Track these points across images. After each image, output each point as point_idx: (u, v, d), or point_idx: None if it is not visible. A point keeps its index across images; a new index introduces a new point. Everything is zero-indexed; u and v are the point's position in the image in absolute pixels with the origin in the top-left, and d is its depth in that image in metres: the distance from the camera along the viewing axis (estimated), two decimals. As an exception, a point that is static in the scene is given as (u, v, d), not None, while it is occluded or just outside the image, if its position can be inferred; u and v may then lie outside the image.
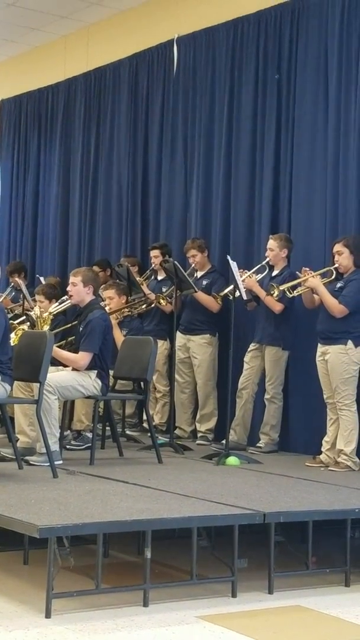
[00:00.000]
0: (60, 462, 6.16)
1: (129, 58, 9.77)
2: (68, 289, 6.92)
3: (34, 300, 8.28)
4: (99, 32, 10.32)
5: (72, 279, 6.83)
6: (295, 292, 7.07)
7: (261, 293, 7.42)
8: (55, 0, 9.68)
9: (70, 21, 10.30)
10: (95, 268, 8.76)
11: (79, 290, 6.76)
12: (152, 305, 8.36)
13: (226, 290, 7.53)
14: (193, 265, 8.23)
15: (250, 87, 8.26)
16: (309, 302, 7.00)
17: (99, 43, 10.31)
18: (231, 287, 7.13)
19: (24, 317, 8.06)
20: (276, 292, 7.17)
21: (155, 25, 9.50)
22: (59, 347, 7.04)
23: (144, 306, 8.41)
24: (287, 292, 7.12)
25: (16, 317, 8.46)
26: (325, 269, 6.92)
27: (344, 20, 7.43)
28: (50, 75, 10.99)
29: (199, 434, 8.09)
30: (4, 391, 5.91)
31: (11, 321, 7.56)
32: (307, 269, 6.96)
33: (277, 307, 7.33)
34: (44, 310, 7.60)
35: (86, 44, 10.48)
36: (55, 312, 7.71)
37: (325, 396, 6.82)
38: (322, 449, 6.78)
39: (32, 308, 7.86)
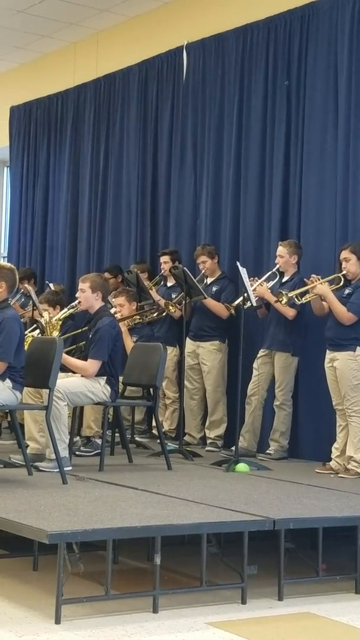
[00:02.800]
0: (70, 468, 6.16)
1: (139, 65, 9.80)
2: (77, 295, 6.93)
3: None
4: (108, 39, 10.35)
5: (80, 285, 6.84)
6: (303, 299, 7.07)
7: (272, 300, 7.41)
8: (64, 7, 9.72)
9: (80, 28, 10.33)
10: (107, 274, 8.78)
11: (87, 296, 6.77)
12: (164, 314, 8.36)
13: (238, 301, 7.50)
14: (203, 271, 8.23)
15: (260, 94, 8.27)
16: (319, 309, 6.99)
17: (108, 50, 10.34)
18: (242, 297, 7.12)
19: (34, 325, 8.07)
20: (284, 299, 7.17)
21: (165, 32, 9.52)
22: (69, 352, 7.05)
23: (155, 314, 8.42)
24: (296, 299, 7.12)
25: (25, 325, 8.46)
26: (333, 276, 6.91)
27: (354, 26, 7.43)
28: (60, 82, 11.02)
29: (209, 441, 8.08)
30: (15, 398, 5.92)
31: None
32: (315, 276, 6.95)
33: (290, 312, 7.33)
34: (52, 316, 7.61)
35: (96, 51, 10.51)
36: (62, 318, 7.71)
37: (334, 403, 6.80)
38: (332, 456, 6.77)
39: (41, 314, 7.88)
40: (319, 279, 6.89)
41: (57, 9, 9.79)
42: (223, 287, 8.14)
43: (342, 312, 6.68)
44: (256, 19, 8.36)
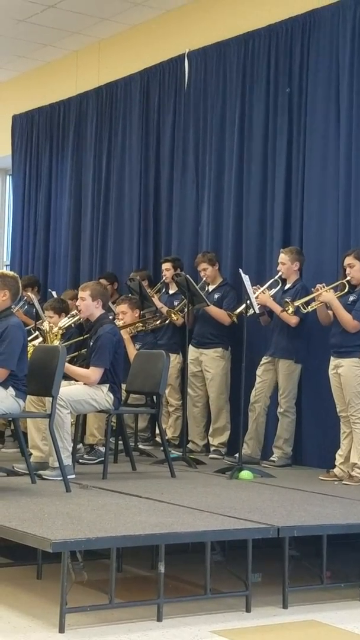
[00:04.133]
0: (73, 476, 6.15)
1: (140, 73, 9.82)
2: (77, 303, 6.93)
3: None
4: (110, 47, 10.37)
5: (80, 294, 6.84)
6: (309, 307, 7.06)
7: (276, 308, 7.41)
8: (66, 16, 9.75)
9: (82, 36, 10.36)
10: (103, 281, 8.78)
11: (87, 304, 6.76)
12: (167, 322, 8.36)
13: (240, 308, 7.50)
14: (204, 278, 8.23)
15: (262, 101, 8.28)
16: (324, 318, 6.98)
17: (110, 58, 10.36)
18: (244, 305, 7.12)
19: (36, 333, 8.07)
20: (291, 309, 7.16)
21: (166, 40, 9.54)
22: (71, 360, 7.05)
23: (158, 322, 8.42)
24: (302, 308, 7.12)
25: (30, 333, 8.46)
26: (337, 282, 6.91)
27: (355, 34, 7.45)
28: (62, 91, 11.05)
29: (212, 448, 8.07)
30: (18, 407, 5.91)
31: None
32: (320, 285, 6.94)
33: (293, 320, 7.32)
34: (53, 325, 7.62)
35: (97, 59, 10.53)
36: (65, 326, 7.71)
37: (338, 409, 6.79)
38: (336, 463, 6.75)
39: (42, 322, 7.88)
40: (323, 287, 6.89)
41: (58, 18, 9.82)
42: (225, 294, 8.14)
43: (348, 320, 6.67)
44: (257, 26, 8.37)
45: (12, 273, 6.22)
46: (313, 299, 6.99)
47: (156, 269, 9.28)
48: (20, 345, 5.88)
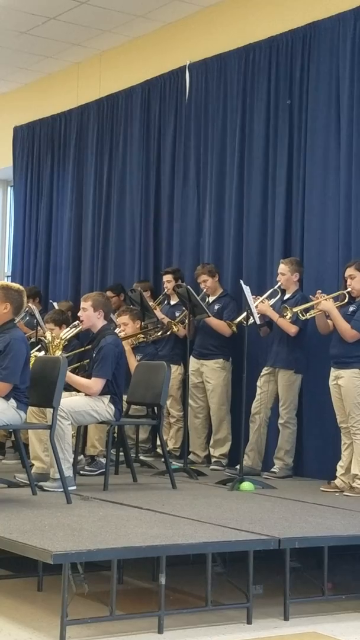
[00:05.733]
0: (74, 487, 6.15)
1: (141, 84, 9.85)
2: (79, 314, 6.94)
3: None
4: (111, 59, 10.41)
5: (82, 304, 6.85)
6: (308, 314, 7.07)
7: (274, 316, 7.42)
8: (67, 28, 9.78)
9: (83, 49, 10.40)
10: (109, 293, 8.79)
11: (89, 315, 6.77)
12: (168, 333, 8.37)
13: (240, 318, 7.52)
14: (205, 290, 8.24)
15: (262, 113, 8.30)
16: (323, 327, 6.99)
17: (111, 70, 10.39)
18: (244, 314, 7.13)
19: (39, 345, 8.07)
20: (289, 315, 7.17)
21: (167, 52, 9.57)
22: (73, 371, 7.04)
23: (159, 333, 8.42)
24: (300, 315, 7.13)
25: (32, 345, 8.46)
26: (337, 293, 6.92)
27: (355, 45, 7.47)
28: (63, 102, 11.08)
29: (213, 459, 8.07)
30: (19, 418, 5.91)
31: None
32: (320, 292, 6.96)
33: (292, 329, 7.33)
34: (55, 336, 7.61)
35: (98, 71, 10.57)
36: (67, 338, 7.71)
37: (338, 420, 6.79)
38: (337, 474, 6.75)
39: (45, 334, 7.88)
40: (323, 296, 6.90)
41: (60, 30, 9.86)
42: (225, 305, 8.15)
43: (346, 329, 6.68)
44: (258, 38, 8.41)
45: (17, 286, 6.14)
46: (312, 307, 7.00)
47: (157, 280, 9.29)
48: (23, 359, 5.87)
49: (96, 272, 10.34)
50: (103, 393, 6.49)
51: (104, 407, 6.47)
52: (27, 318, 9.73)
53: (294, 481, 7.35)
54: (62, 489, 5.83)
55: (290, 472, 7.49)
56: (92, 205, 10.48)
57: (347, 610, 4.93)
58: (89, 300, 6.79)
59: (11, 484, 6.31)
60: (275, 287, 7.61)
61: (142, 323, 8.28)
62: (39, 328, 8.54)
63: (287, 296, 7.59)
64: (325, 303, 6.85)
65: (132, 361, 7.72)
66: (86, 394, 6.51)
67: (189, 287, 7.77)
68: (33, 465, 6.42)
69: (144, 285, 9.02)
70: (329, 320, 6.90)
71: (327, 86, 7.73)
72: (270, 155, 8.21)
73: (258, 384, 7.57)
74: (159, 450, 8.22)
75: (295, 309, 7.15)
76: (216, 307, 8.16)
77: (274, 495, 6.44)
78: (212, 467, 7.95)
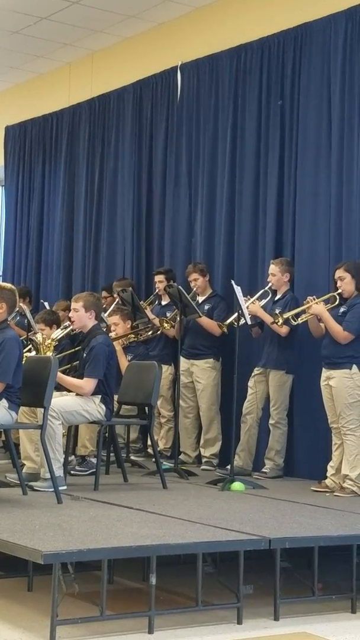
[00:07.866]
0: (65, 487, 6.14)
1: (133, 85, 9.84)
2: (70, 314, 6.93)
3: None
4: (103, 59, 10.40)
5: (73, 305, 6.83)
6: (299, 319, 7.08)
7: (267, 319, 7.42)
8: (59, 28, 9.77)
9: (75, 48, 10.39)
10: (104, 293, 8.77)
11: (80, 315, 6.76)
12: (159, 332, 8.36)
13: (231, 319, 7.53)
14: (195, 289, 8.24)
15: (254, 113, 8.31)
16: (316, 330, 6.99)
17: (103, 70, 10.39)
18: (235, 315, 7.13)
19: (29, 345, 8.06)
20: (280, 320, 7.17)
21: (159, 53, 9.58)
22: (64, 371, 7.04)
23: (149, 333, 8.41)
24: (292, 320, 7.13)
25: (23, 345, 8.44)
26: (328, 295, 6.93)
27: (346, 46, 7.49)
28: (55, 102, 11.07)
29: (204, 459, 8.07)
30: (10, 418, 5.91)
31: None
32: (311, 297, 6.96)
33: (283, 330, 7.33)
34: (46, 336, 7.60)
35: (90, 71, 10.56)
36: (57, 338, 7.70)
37: (329, 421, 6.80)
38: (328, 474, 6.76)
39: (35, 334, 7.87)
40: (314, 299, 6.91)
41: (51, 30, 9.85)
42: (215, 305, 8.16)
43: (338, 331, 6.69)
44: (250, 39, 8.41)
45: (9, 285, 6.16)
46: (303, 311, 7.01)
47: (148, 280, 9.28)
48: (16, 359, 5.87)
49: (87, 272, 10.33)
50: (94, 393, 6.48)
51: (95, 407, 6.47)
52: (18, 318, 9.72)
53: (284, 481, 7.35)
54: (52, 489, 5.82)
55: (281, 473, 7.50)
56: (84, 205, 10.48)
57: (337, 610, 4.95)
58: (80, 301, 6.78)
59: (1, 484, 6.29)
60: (266, 287, 7.62)
61: (133, 323, 8.27)
62: (30, 328, 8.52)
63: (277, 297, 7.59)
64: (316, 307, 6.86)
65: (123, 361, 7.72)
66: (78, 394, 6.50)
67: (180, 287, 7.77)
68: (24, 465, 6.41)
69: (124, 283, 8.94)
70: (321, 324, 6.91)
71: (319, 87, 7.74)
72: (261, 155, 8.22)
73: (250, 384, 7.58)
74: (149, 450, 8.22)
75: (286, 315, 7.16)
76: (206, 307, 8.16)
77: (265, 495, 6.45)
78: (202, 467, 7.96)
